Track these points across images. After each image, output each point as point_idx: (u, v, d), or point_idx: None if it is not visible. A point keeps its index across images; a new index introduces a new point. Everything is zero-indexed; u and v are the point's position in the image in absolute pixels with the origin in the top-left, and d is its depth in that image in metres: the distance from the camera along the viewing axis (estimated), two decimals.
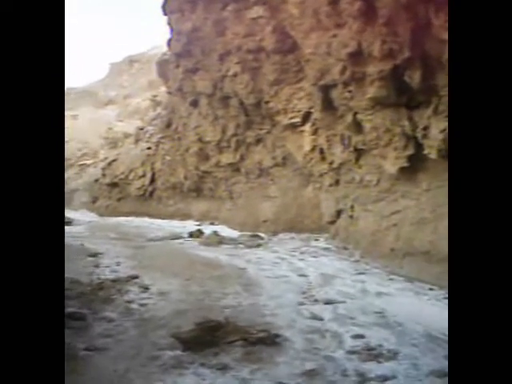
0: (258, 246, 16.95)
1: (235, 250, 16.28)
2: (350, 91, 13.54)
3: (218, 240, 17.81)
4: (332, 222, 16.68)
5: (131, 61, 41.84)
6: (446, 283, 11.18)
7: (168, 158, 26.66)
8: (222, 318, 8.04)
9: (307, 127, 17.93)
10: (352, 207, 15.33)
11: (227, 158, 22.00)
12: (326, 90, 14.88)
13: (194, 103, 22.92)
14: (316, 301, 9.93)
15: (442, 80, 11.35)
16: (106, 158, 33.19)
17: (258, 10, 18.45)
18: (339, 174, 15.98)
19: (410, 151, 12.51)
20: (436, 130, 11.64)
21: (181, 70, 22.86)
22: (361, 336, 7.85)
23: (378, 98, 12.45)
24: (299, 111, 18.09)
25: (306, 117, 17.92)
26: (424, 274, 11.93)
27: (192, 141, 23.67)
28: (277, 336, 7.57)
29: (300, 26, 15.98)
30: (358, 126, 13.90)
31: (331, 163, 16.12)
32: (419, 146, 12.39)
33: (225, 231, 20.45)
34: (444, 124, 11.45)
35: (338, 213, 16.35)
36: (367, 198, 14.50)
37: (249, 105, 20.16)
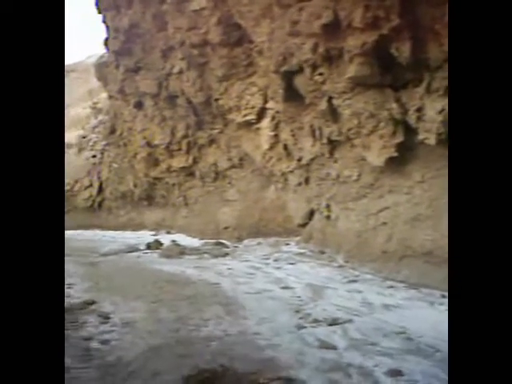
0: (225, 254, 14.42)
1: (201, 261, 13.67)
2: (321, 74, 11.00)
3: (180, 250, 15.15)
4: (304, 225, 14.18)
5: (67, 70, 38.18)
6: None
7: (115, 165, 23.82)
8: (209, 356, 6.00)
9: (264, 124, 15.53)
10: (328, 207, 12.84)
11: (179, 161, 19.20)
12: (289, 76, 12.33)
13: (139, 105, 20.06)
14: (316, 321, 7.65)
15: (435, 52, 8.98)
16: None
17: (200, 1, 15.96)
18: (309, 170, 13.45)
19: (400, 138, 10.11)
20: (432, 110, 9.27)
21: (121, 71, 19.95)
22: (398, 372, 5.68)
23: (359, 77, 9.98)
24: (253, 107, 15.71)
25: (262, 113, 15.53)
26: (428, 278, 9.68)
27: (139, 146, 20.70)
28: (291, 381, 5.36)
29: (250, 12, 13.65)
30: (332, 114, 11.34)
31: (299, 160, 13.55)
32: (410, 132, 9.94)
33: (184, 240, 17.92)
34: (441, 104, 9.11)
35: (311, 214, 13.80)
36: (346, 196, 12.02)
37: (198, 103, 17.59)
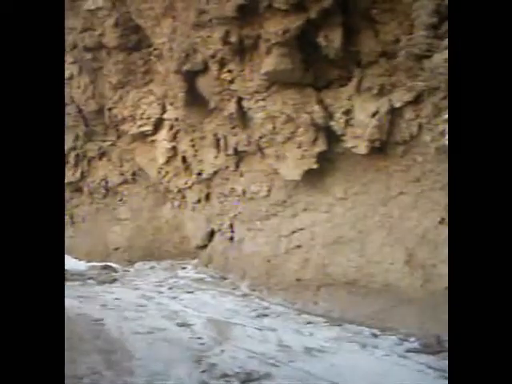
0: (114, 280, 11.65)
1: (84, 289, 10.77)
2: (230, 71, 8.69)
3: None
4: (203, 247, 11.67)
5: None
6: (386, 324, 7.00)
7: None
8: None
9: (161, 135, 12.94)
10: (231, 226, 10.38)
11: (65, 176, 15.99)
12: (191, 77, 9.96)
13: None
14: (225, 376, 5.37)
15: (369, 44, 6.97)
16: None
17: (96, 1, 13.37)
18: (210, 186, 11.09)
19: (321, 147, 7.98)
20: (363, 113, 7.24)
21: None
22: None
23: (278, 72, 7.75)
24: (149, 118, 13.24)
25: (159, 124, 12.97)
26: (352, 312, 7.68)
27: None
28: None
29: (150, 10, 11.22)
30: (242, 119, 9.06)
31: (199, 174, 11.10)
32: (333, 140, 7.83)
33: (69, 263, 14.60)
34: (374, 105, 7.08)
35: (211, 234, 11.31)
36: (253, 215, 9.76)
37: (88, 113, 14.76)
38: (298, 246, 8.67)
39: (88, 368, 5.52)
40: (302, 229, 8.72)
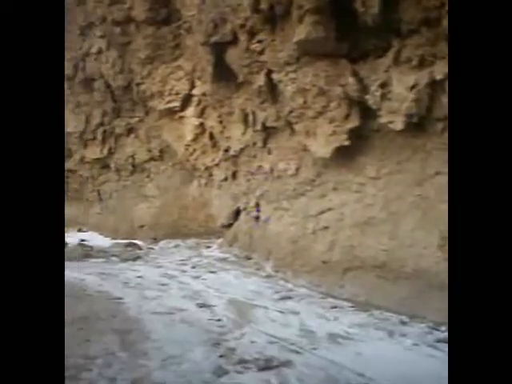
0: (137, 258, 11.35)
1: (107, 266, 10.49)
2: (260, 41, 8.13)
3: (85, 253, 11.99)
4: (228, 226, 11.27)
5: None
6: (416, 311, 6.50)
7: None
8: None
9: (189, 112, 12.54)
10: (257, 205, 9.93)
11: (93, 152, 15.91)
12: (220, 49, 9.43)
13: None
14: (243, 362, 4.95)
15: (411, 11, 6.35)
16: None
17: None
18: (237, 163, 10.63)
19: (354, 123, 7.42)
20: (401, 86, 6.65)
21: None
22: None
23: (310, 42, 7.20)
24: (178, 94, 12.89)
25: (187, 100, 12.53)
26: (380, 297, 7.16)
27: None
28: None
29: None
30: (271, 93, 8.53)
31: (226, 150, 10.66)
32: (367, 115, 7.27)
33: (95, 239, 14.70)
34: (413, 77, 6.45)
35: (237, 213, 10.89)
36: (281, 193, 9.27)
37: (117, 88, 14.57)
38: (326, 227, 8.18)
39: (103, 348, 5.18)
40: (330, 209, 8.22)
